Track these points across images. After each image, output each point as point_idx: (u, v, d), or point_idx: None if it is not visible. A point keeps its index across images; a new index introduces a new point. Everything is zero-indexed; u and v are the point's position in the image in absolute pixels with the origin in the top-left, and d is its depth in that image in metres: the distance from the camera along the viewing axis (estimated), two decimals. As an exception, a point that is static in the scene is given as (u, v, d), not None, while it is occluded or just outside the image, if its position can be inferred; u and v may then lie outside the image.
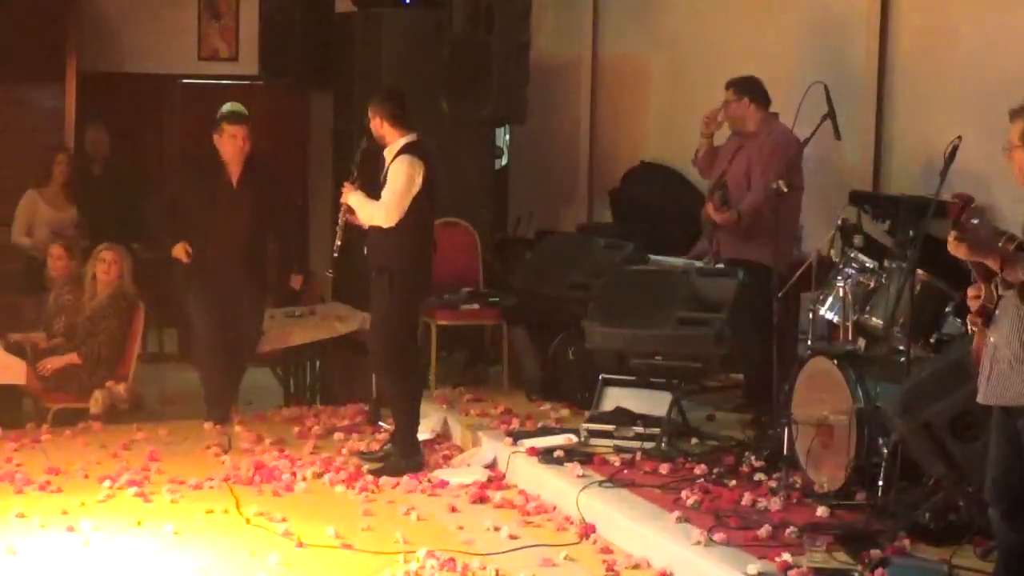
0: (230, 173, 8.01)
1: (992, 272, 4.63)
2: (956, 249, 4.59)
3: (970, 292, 4.81)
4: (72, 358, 8.15)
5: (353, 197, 7.13)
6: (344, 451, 7.45)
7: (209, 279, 8.00)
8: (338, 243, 7.33)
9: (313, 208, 11.75)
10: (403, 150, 7.05)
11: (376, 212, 7.03)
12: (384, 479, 6.90)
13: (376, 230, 7.08)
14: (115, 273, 8.30)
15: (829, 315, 6.51)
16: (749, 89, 7.57)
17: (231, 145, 7.95)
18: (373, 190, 7.10)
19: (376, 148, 7.22)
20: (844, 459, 5.94)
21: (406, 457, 7.11)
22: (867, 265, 6.39)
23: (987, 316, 4.71)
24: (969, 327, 4.91)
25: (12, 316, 8.88)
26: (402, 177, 6.98)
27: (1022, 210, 5.29)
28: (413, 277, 7.11)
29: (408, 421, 7.20)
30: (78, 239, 9.35)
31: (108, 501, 6.56)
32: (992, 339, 4.69)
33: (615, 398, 7.25)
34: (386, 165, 7.10)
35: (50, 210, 9.83)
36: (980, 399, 4.79)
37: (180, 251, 7.99)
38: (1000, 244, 4.54)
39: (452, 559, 5.65)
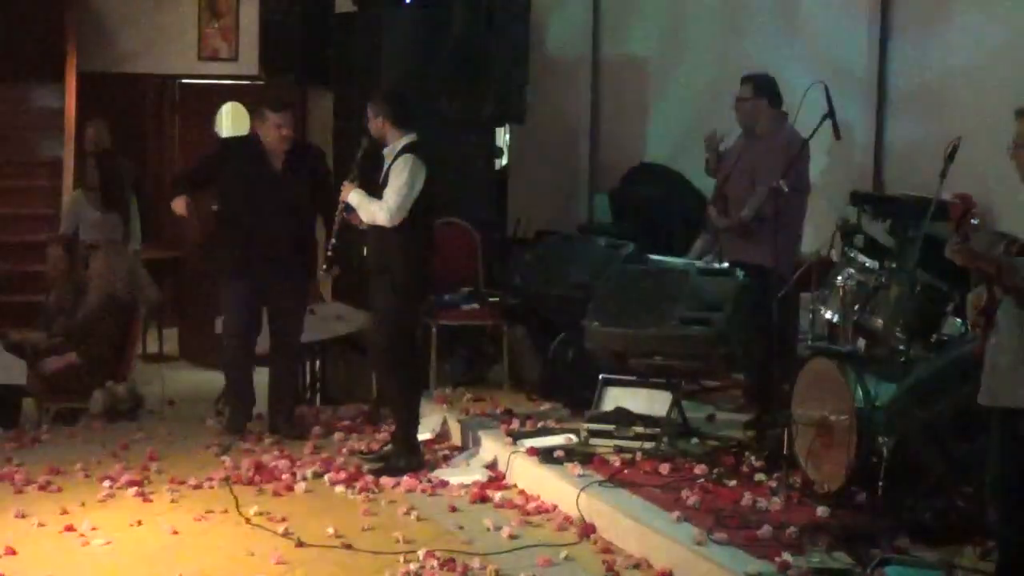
0: (273, 161, 7.72)
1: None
2: (953, 256, 4.60)
3: (971, 300, 4.81)
4: (72, 358, 8.15)
5: (354, 195, 7.10)
6: (344, 451, 7.46)
7: (247, 273, 7.66)
8: (333, 240, 7.31)
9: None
10: (404, 150, 7.04)
11: (378, 212, 7.00)
12: (384, 479, 6.91)
13: (376, 230, 7.07)
14: (103, 272, 8.30)
15: (829, 315, 6.50)
16: (767, 89, 7.39)
17: (275, 134, 7.64)
18: (373, 190, 7.09)
19: (376, 148, 7.21)
20: (844, 459, 5.93)
21: (406, 457, 7.11)
22: (867, 265, 6.37)
23: (989, 317, 4.71)
24: (971, 327, 4.92)
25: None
26: (405, 176, 6.97)
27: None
28: (413, 277, 7.09)
29: (408, 421, 7.20)
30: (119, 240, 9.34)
31: (108, 501, 6.56)
32: (993, 340, 4.70)
33: (615, 398, 7.24)
34: (387, 165, 7.09)
35: (94, 211, 9.82)
36: (981, 400, 4.79)
37: (180, 203, 7.58)
38: (1001, 248, 4.54)
39: (452, 559, 5.65)
